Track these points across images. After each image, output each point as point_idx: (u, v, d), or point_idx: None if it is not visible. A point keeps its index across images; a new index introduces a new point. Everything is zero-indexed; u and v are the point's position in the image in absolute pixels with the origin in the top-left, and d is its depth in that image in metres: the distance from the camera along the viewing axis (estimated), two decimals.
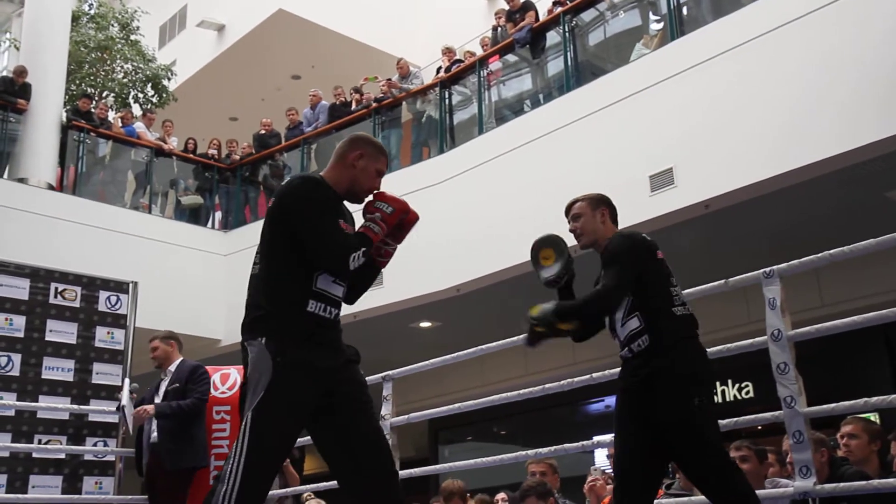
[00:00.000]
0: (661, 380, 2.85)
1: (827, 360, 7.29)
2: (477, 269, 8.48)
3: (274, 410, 2.54)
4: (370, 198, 2.83)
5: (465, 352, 4.48)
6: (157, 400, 5.36)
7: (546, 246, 3.26)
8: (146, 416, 5.27)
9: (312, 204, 2.67)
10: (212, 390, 5.52)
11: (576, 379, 3.99)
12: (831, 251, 3.22)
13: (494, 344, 4.35)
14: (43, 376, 5.77)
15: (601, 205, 3.23)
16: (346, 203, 2.88)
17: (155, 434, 5.26)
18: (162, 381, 5.49)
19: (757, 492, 2.88)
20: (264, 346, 2.60)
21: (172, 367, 5.49)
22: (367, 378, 4.73)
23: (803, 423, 3.14)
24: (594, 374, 3.94)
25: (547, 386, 4.11)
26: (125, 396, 5.56)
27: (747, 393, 8.90)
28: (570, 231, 3.26)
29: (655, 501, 2.98)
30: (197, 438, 5.31)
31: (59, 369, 5.83)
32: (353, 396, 2.71)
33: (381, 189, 2.87)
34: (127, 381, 5.66)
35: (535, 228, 7.85)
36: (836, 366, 7.63)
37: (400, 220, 2.80)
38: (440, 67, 10.56)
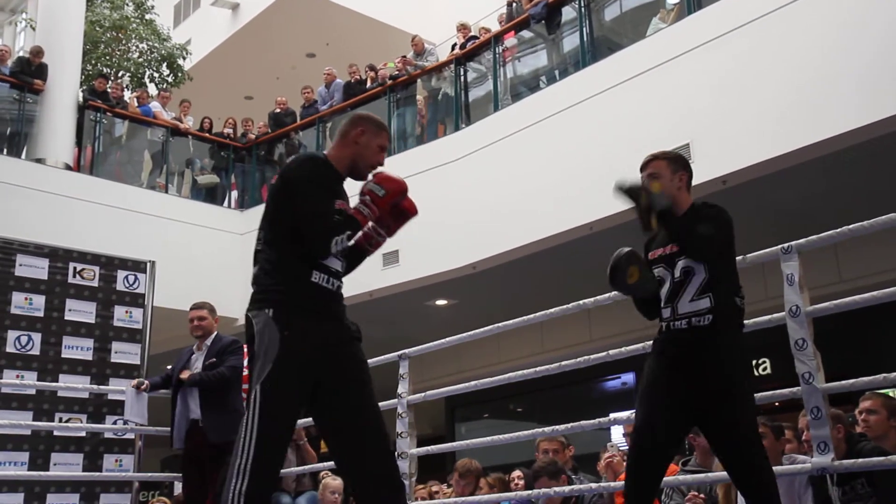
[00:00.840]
0: (720, 353, 2.84)
1: (845, 336, 7.24)
2: (492, 246, 8.47)
3: (283, 383, 2.58)
4: (370, 177, 2.84)
5: (481, 330, 4.48)
6: (192, 371, 5.36)
7: (631, 263, 3.04)
8: (186, 380, 5.25)
9: (309, 185, 2.71)
10: None
11: (592, 356, 3.98)
12: (850, 226, 3.19)
13: (510, 322, 4.35)
14: (63, 355, 5.83)
15: (681, 168, 3.07)
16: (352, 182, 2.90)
17: (198, 411, 5.25)
18: (194, 356, 5.48)
19: (774, 468, 2.88)
20: (271, 318, 2.63)
21: (209, 342, 5.48)
22: (383, 356, 4.79)
23: (821, 399, 3.12)
24: (611, 352, 3.93)
25: (563, 363, 4.10)
26: (130, 394, 5.55)
27: (765, 369, 8.87)
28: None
29: (674, 477, 2.98)
30: (238, 411, 5.33)
31: (78, 348, 5.89)
32: (352, 375, 2.73)
33: (384, 167, 2.89)
34: (131, 389, 5.61)
35: (552, 205, 7.90)
36: (855, 342, 7.59)
37: (394, 203, 2.79)
38: (455, 44, 10.50)
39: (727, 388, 2.82)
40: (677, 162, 3.08)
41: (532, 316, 4.22)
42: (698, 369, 2.85)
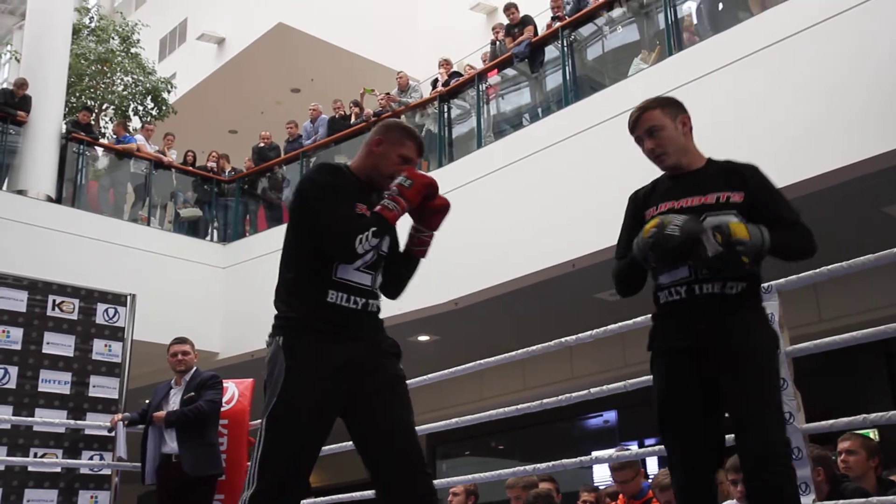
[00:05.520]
0: (758, 335, 2.47)
1: (826, 376, 7.27)
2: (475, 282, 8.47)
3: (288, 417, 2.45)
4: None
5: (464, 366, 4.47)
6: (169, 409, 5.34)
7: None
8: (159, 422, 5.24)
9: (324, 189, 2.55)
10: None
11: (573, 394, 3.97)
12: (829, 266, 3.22)
13: (492, 359, 4.34)
14: (40, 389, 5.75)
15: (681, 110, 2.66)
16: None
17: (174, 444, 5.21)
18: (173, 390, 5.45)
19: None
20: (280, 347, 2.51)
21: (188, 377, 5.45)
22: None
23: (802, 440, 3.13)
24: (592, 390, 3.92)
25: (545, 401, 4.09)
26: (120, 429, 5.50)
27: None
28: (647, 153, 2.67)
29: None
30: (216, 446, 5.31)
31: (55, 382, 5.82)
32: (379, 391, 2.56)
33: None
34: (121, 424, 5.55)
35: (534, 242, 7.92)
36: (835, 382, 7.62)
37: (425, 194, 2.59)
38: (437, 80, 10.59)
39: (758, 348, 2.44)
40: (673, 105, 2.67)
41: (514, 353, 4.22)
42: (732, 354, 2.42)
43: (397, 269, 2.75)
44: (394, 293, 2.81)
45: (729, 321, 2.44)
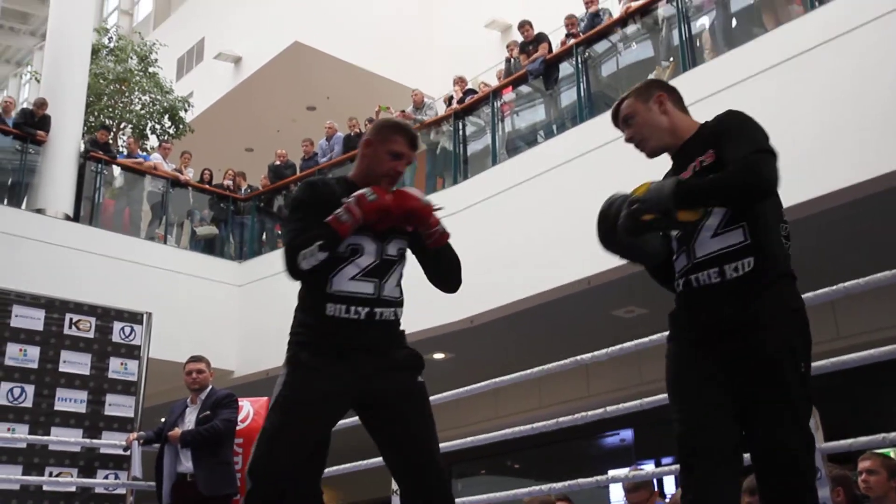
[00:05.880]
0: (772, 316, 2.11)
1: (844, 395, 7.19)
2: (490, 300, 8.44)
3: (282, 437, 2.43)
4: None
5: (479, 385, 4.45)
6: (184, 427, 5.33)
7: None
8: (174, 441, 5.24)
9: (293, 207, 2.58)
10: None
11: (589, 413, 3.94)
12: (846, 284, 3.18)
13: (508, 377, 4.32)
14: (56, 408, 5.79)
15: (654, 90, 2.44)
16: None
17: (189, 464, 5.20)
18: (188, 409, 5.45)
19: None
20: (284, 364, 2.52)
21: (203, 395, 5.45)
22: None
23: (821, 460, 3.08)
24: (608, 408, 3.89)
25: (560, 420, 4.06)
26: (135, 448, 5.50)
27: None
28: (627, 141, 2.53)
29: None
30: (231, 465, 5.30)
31: (72, 400, 5.85)
32: (389, 406, 2.51)
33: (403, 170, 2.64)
34: (136, 443, 5.56)
35: (549, 259, 7.89)
36: (854, 400, 7.53)
37: (379, 217, 2.46)
38: (452, 97, 10.62)
39: (778, 377, 2.08)
40: (646, 87, 2.46)
41: (529, 371, 4.19)
42: (740, 346, 2.13)
43: (432, 265, 2.68)
44: (443, 286, 2.74)
45: (735, 313, 2.14)
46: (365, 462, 4.58)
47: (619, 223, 2.22)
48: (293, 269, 2.44)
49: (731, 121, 2.28)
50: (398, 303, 2.63)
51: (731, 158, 2.14)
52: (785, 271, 2.20)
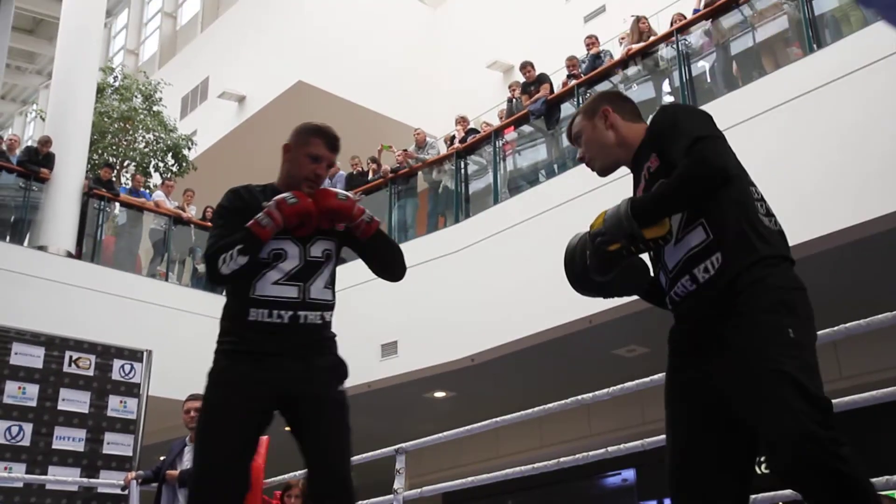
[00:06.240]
0: (743, 296, 1.89)
1: (847, 435, 7.14)
2: (491, 338, 8.43)
3: (205, 436, 2.50)
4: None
5: (480, 424, 4.43)
6: (183, 467, 5.28)
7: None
8: (172, 481, 5.18)
9: (216, 213, 2.62)
10: None
11: (591, 453, 3.92)
12: (847, 325, 3.18)
13: (509, 416, 4.30)
14: (54, 446, 5.76)
15: (599, 104, 2.23)
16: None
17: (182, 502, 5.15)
18: (186, 448, 5.40)
19: None
20: (207, 375, 2.55)
21: None
22: (380, 451, 4.71)
23: None
24: (609, 448, 3.87)
25: (562, 460, 4.03)
26: (133, 488, 5.46)
27: (766, 468, 8.71)
28: (579, 161, 2.37)
29: None
30: None
31: (70, 439, 5.81)
32: (304, 413, 2.49)
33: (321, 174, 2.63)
34: (134, 482, 5.52)
35: (551, 298, 7.90)
36: (857, 441, 7.45)
37: (300, 221, 2.48)
38: (454, 136, 10.69)
39: (752, 348, 1.85)
40: (592, 104, 2.26)
41: (531, 410, 4.18)
42: (718, 326, 1.92)
43: (371, 256, 2.67)
44: (386, 275, 2.72)
45: (714, 316, 1.94)
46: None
47: (589, 264, 2.10)
48: (214, 274, 2.45)
49: (663, 118, 2.12)
50: (327, 306, 2.58)
51: (674, 157, 2.00)
52: (766, 254, 1.94)
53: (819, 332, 3.01)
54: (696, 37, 8.11)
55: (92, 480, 5.75)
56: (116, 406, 6.07)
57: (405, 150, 10.84)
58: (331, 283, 2.61)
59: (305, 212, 2.47)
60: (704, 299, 1.96)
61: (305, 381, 2.47)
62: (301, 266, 2.53)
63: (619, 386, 3.86)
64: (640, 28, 8.78)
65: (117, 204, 11.24)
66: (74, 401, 5.90)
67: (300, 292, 2.51)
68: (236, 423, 2.44)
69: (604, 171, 2.29)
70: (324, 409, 2.48)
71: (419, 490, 4.66)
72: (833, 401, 2.93)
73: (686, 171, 1.93)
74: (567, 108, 9.17)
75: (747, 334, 1.86)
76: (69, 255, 10.09)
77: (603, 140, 2.22)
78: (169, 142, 14.78)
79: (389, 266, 2.70)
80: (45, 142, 10.44)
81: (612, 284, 2.19)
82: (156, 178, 14.26)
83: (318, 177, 2.59)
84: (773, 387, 1.81)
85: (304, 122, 2.73)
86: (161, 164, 14.72)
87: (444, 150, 10.74)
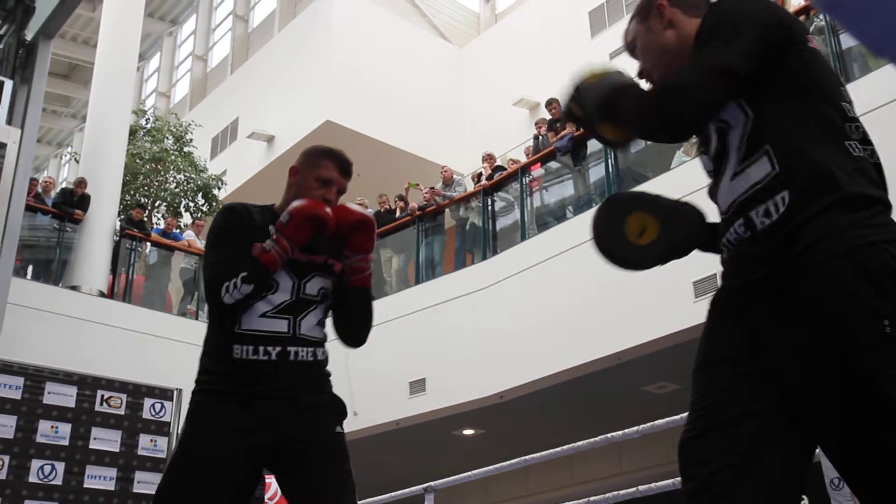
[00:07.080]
0: (816, 253, 1.39)
1: None
2: (520, 376, 8.39)
3: (173, 472, 2.21)
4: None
5: (509, 462, 4.40)
6: None
7: (636, 208, 1.81)
8: None
9: (212, 233, 2.32)
10: None
11: (621, 492, 3.88)
12: None
13: (538, 455, 4.27)
14: (85, 485, 5.79)
15: (652, 6, 1.74)
16: None
17: None
18: None
19: None
20: (186, 414, 2.30)
21: None
22: (408, 489, 4.70)
23: None
24: (640, 487, 3.83)
25: (592, 498, 4.00)
26: None
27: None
28: (640, 78, 1.80)
29: None
30: None
31: (101, 478, 5.84)
32: (297, 459, 2.21)
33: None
34: None
35: (580, 334, 7.86)
36: None
37: (313, 227, 2.22)
38: (481, 173, 10.74)
39: (841, 353, 1.34)
40: (644, 2, 1.76)
41: (560, 449, 4.15)
42: (784, 315, 1.42)
43: (346, 310, 2.38)
44: (348, 338, 2.41)
45: (769, 272, 1.46)
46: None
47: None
48: (215, 301, 2.21)
49: (708, 19, 1.63)
50: (318, 342, 2.33)
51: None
52: (849, 194, 1.43)
53: None
54: None
55: None
56: (147, 445, 6.11)
57: (432, 188, 10.91)
58: (323, 322, 2.37)
59: (322, 217, 2.22)
60: (758, 253, 1.48)
61: (298, 422, 2.22)
62: (292, 301, 2.28)
63: (648, 424, 3.83)
64: None
65: (148, 244, 11.39)
66: (106, 440, 5.95)
67: (290, 326, 2.26)
68: (210, 478, 2.16)
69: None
70: (321, 454, 2.22)
71: None
72: None
73: (656, 104, 1.59)
74: (594, 144, 9.19)
75: (822, 324, 1.37)
76: (101, 294, 10.22)
77: (660, 43, 1.72)
78: (199, 182, 14.98)
79: (361, 328, 2.40)
80: (80, 183, 10.63)
81: (656, 243, 1.80)
82: (186, 218, 14.45)
83: (327, 203, 2.32)
84: (874, 423, 1.33)
85: (313, 146, 2.49)
86: (191, 204, 14.91)
87: (471, 188, 10.79)
